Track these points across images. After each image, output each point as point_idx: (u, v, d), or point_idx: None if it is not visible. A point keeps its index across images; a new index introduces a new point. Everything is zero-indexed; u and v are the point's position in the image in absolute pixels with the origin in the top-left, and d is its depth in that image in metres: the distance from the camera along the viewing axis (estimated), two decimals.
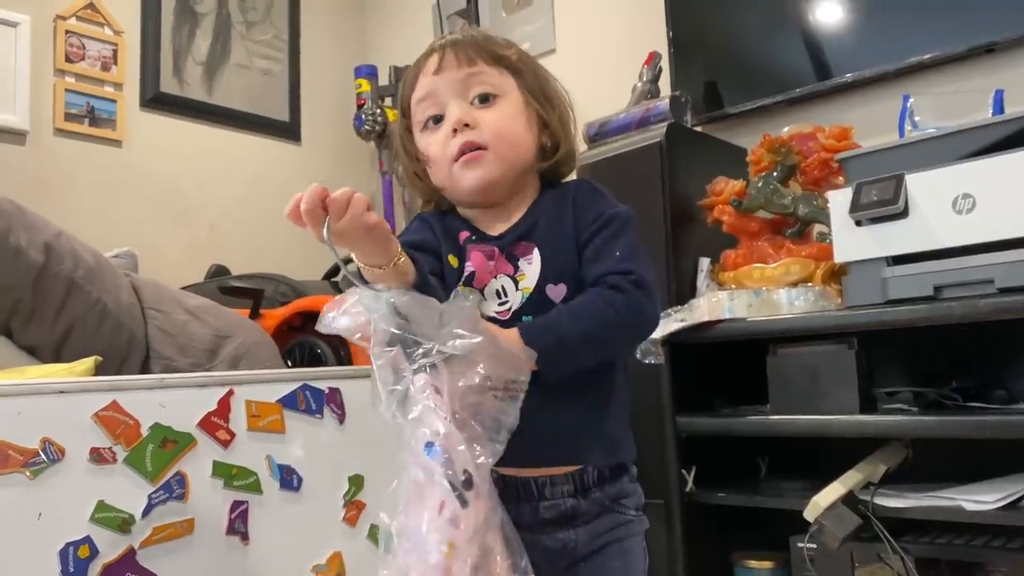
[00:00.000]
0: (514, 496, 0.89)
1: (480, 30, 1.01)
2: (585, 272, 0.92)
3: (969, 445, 1.41)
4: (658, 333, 1.60)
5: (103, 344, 1.30)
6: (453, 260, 0.96)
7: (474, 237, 0.97)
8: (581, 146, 1.99)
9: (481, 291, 0.93)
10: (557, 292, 0.92)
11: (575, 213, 0.95)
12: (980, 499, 1.28)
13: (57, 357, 1.28)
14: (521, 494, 0.90)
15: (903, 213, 1.36)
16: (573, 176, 1.05)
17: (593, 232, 0.92)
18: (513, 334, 0.86)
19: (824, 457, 1.52)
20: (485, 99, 0.94)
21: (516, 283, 0.93)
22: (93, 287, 1.32)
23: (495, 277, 0.93)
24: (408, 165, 1.01)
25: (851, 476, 1.43)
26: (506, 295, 0.92)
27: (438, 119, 0.95)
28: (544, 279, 0.92)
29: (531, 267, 0.93)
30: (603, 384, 0.94)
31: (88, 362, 1.16)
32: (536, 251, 0.93)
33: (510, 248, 0.95)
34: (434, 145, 0.95)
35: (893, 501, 1.37)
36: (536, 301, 0.91)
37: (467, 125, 0.92)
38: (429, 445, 0.76)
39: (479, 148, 0.92)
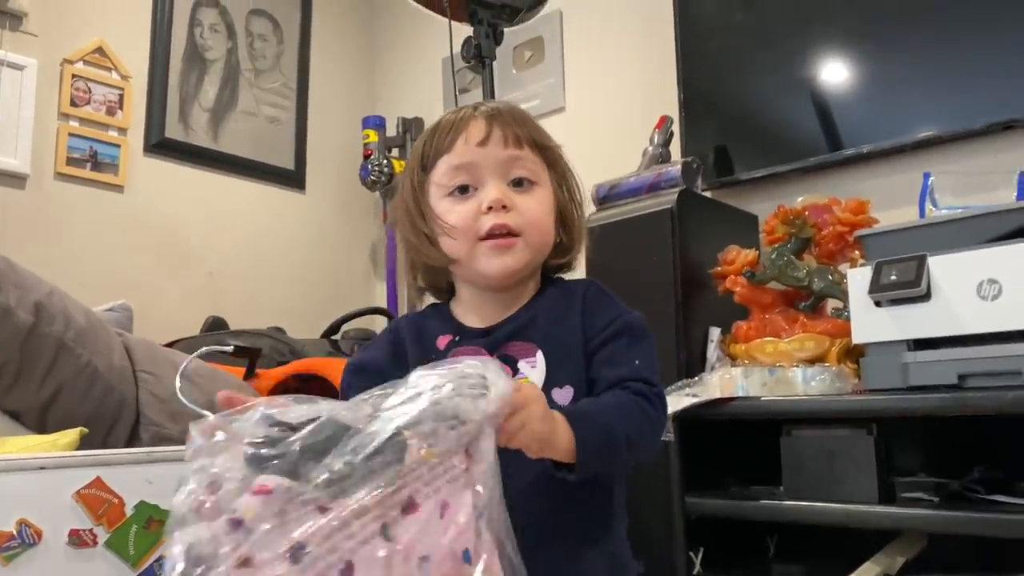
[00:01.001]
0: None
1: (520, 109, 0.97)
2: (597, 374, 0.88)
3: (990, 538, 1.35)
4: (669, 408, 1.55)
5: (91, 407, 1.25)
6: None
7: (458, 338, 0.93)
8: (589, 207, 1.96)
9: None
10: (563, 396, 0.87)
11: (584, 315, 0.91)
12: None
13: (42, 421, 1.23)
14: None
15: (925, 296, 1.32)
16: (579, 273, 1.02)
17: (608, 338, 0.89)
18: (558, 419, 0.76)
19: (836, 540, 1.46)
20: (521, 183, 0.91)
21: None
22: (84, 349, 1.27)
23: None
24: (417, 223, 0.93)
25: (868, 569, 1.36)
26: None
27: (465, 189, 0.91)
28: (550, 383, 0.87)
29: (534, 370, 0.88)
30: (604, 501, 0.90)
31: (72, 434, 1.10)
32: (539, 353, 0.89)
33: (503, 347, 0.90)
34: (457, 215, 0.90)
35: None
36: None
37: (505, 207, 0.89)
38: None
39: (513, 235, 0.89)
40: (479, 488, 0.60)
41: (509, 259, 0.89)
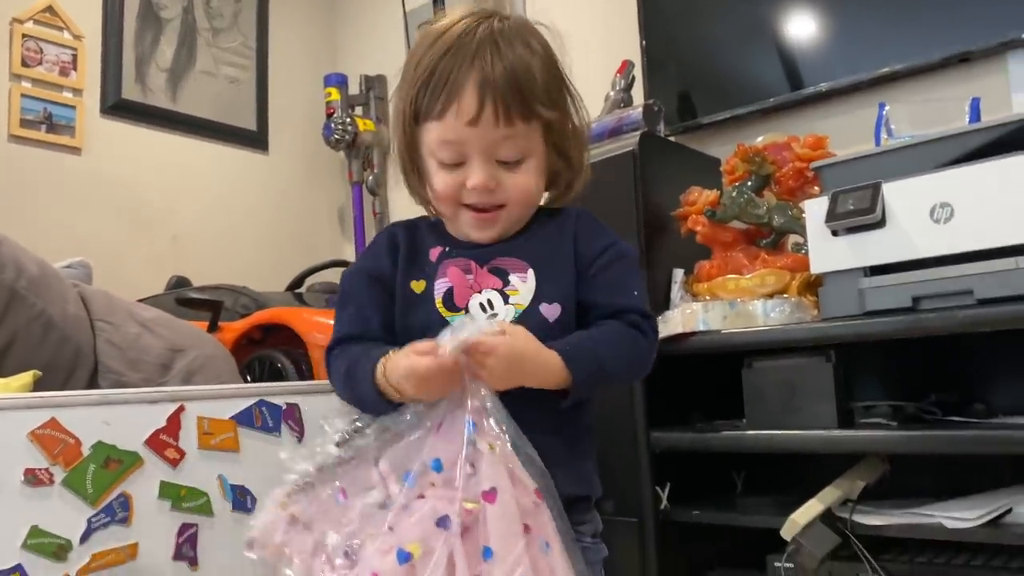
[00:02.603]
0: None
1: (522, 63, 0.89)
2: (593, 298, 0.91)
3: (949, 460, 1.38)
4: None
5: (46, 357, 1.23)
6: (417, 285, 0.92)
7: (448, 250, 0.94)
8: None
9: (465, 309, 0.89)
10: (551, 312, 0.89)
11: (576, 239, 0.93)
12: (961, 516, 1.24)
13: None
14: None
15: (880, 223, 1.33)
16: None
17: (605, 264, 0.91)
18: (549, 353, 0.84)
19: (801, 472, 1.48)
20: (510, 162, 0.90)
21: (506, 297, 0.90)
22: (37, 298, 1.25)
23: (478, 292, 0.90)
24: (407, 167, 0.96)
25: (829, 493, 1.39)
26: (492, 308, 0.89)
27: (454, 161, 0.90)
28: (539, 298, 0.89)
29: (525, 284, 0.90)
30: (579, 418, 0.92)
31: (26, 377, 1.09)
32: (531, 270, 0.91)
33: (494, 260, 0.92)
34: (442, 183, 0.91)
35: (872, 519, 1.33)
36: (529, 317, 0.88)
37: (490, 189, 0.89)
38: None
39: (497, 207, 0.90)
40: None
41: (490, 231, 0.92)
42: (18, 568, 0.91)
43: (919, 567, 1.28)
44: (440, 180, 0.90)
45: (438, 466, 0.77)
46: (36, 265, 1.30)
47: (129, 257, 2.47)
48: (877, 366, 1.51)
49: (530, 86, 0.88)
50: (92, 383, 1.30)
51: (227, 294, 1.87)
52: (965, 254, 1.25)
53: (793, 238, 1.72)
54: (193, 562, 1.07)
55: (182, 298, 1.73)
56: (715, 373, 1.60)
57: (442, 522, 0.74)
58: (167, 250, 2.59)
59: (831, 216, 1.37)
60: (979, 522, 1.22)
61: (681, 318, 1.55)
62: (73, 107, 2.43)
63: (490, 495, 0.75)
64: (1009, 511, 1.24)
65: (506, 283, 0.90)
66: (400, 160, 0.96)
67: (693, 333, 1.52)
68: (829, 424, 1.38)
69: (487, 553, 0.73)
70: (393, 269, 0.94)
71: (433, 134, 0.89)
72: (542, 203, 0.99)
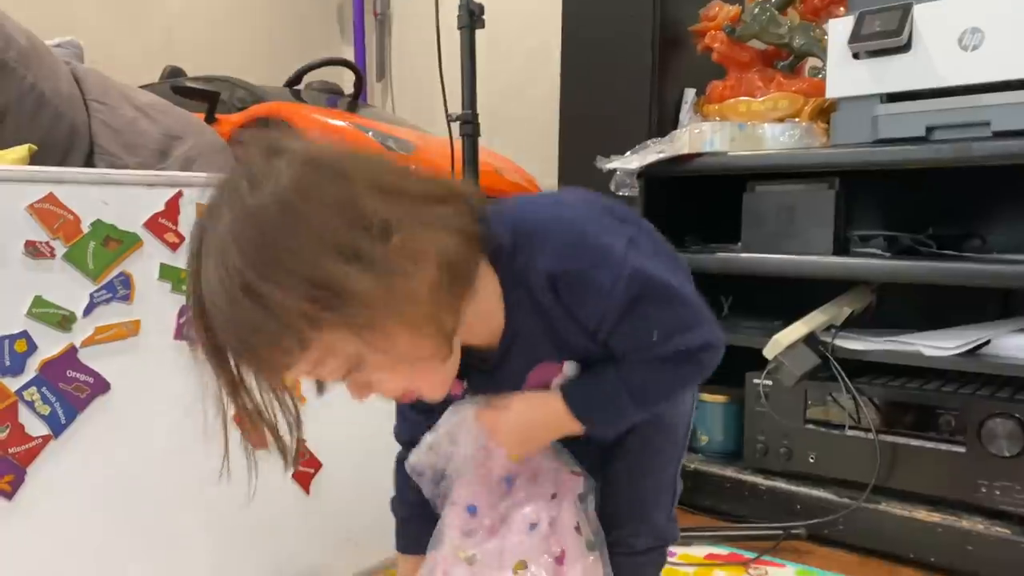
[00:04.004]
0: None
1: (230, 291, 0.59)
2: (623, 357, 0.75)
3: (935, 293, 1.40)
4: (634, 164, 1.54)
5: (40, 134, 1.20)
6: None
7: (467, 383, 0.81)
8: None
9: None
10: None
11: (565, 312, 0.72)
12: (940, 345, 1.28)
13: None
14: None
15: (905, 47, 1.28)
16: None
17: (609, 330, 0.72)
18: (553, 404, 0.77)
19: (790, 300, 1.51)
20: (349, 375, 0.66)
21: None
22: (28, 71, 1.21)
23: None
24: None
25: (814, 317, 1.42)
26: None
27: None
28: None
29: (570, 376, 0.79)
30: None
31: (21, 150, 1.07)
32: (566, 367, 0.77)
33: (520, 375, 0.78)
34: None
35: (853, 343, 1.37)
36: None
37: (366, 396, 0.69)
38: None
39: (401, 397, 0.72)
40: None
41: (433, 398, 0.73)
42: (24, 335, 0.93)
43: (892, 390, 1.34)
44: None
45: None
46: (25, 37, 1.24)
47: (121, 46, 2.37)
48: (879, 197, 1.50)
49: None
50: (88, 164, 1.28)
51: (224, 86, 1.82)
52: (987, 85, 1.22)
53: (811, 62, 1.66)
54: (194, 342, 1.09)
55: (178, 86, 1.67)
56: (715, 197, 1.59)
57: None
58: (161, 42, 2.49)
59: (855, 37, 1.32)
60: (956, 351, 1.27)
61: (688, 138, 1.53)
62: None
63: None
64: (987, 343, 1.28)
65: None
66: None
67: (699, 154, 1.50)
68: (824, 251, 1.39)
69: None
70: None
71: None
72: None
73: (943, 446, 1.27)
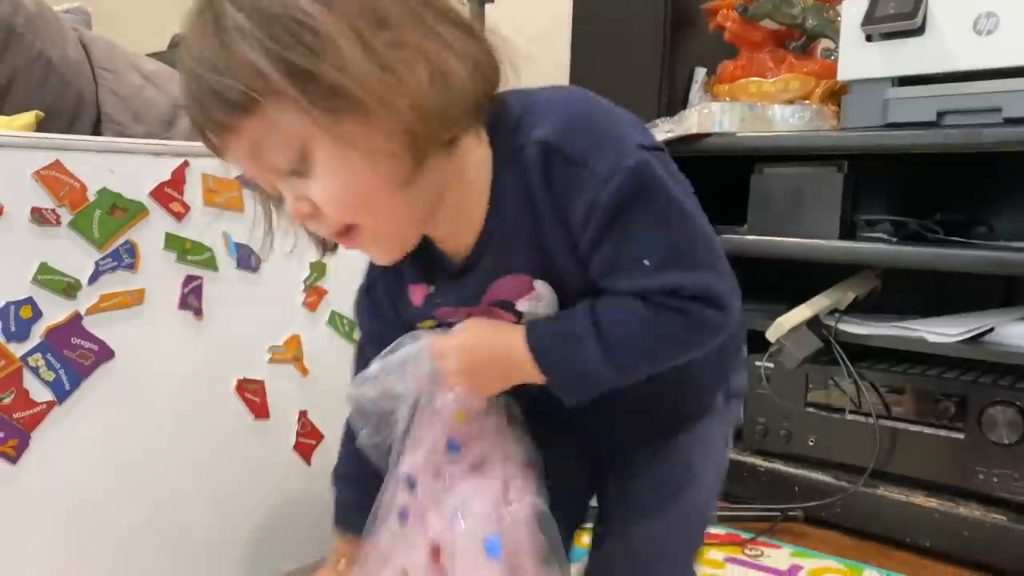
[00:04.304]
0: None
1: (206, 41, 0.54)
2: (606, 285, 0.62)
3: (940, 279, 1.40)
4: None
5: (48, 101, 1.20)
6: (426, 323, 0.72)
7: (433, 289, 0.69)
8: None
9: None
10: None
11: (554, 206, 0.60)
12: (943, 331, 1.28)
13: None
14: None
15: (919, 30, 1.27)
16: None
17: (593, 237, 0.59)
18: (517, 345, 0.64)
19: (795, 283, 1.51)
20: (291, 170, 0.58)
21: None
22: (35, 37, 1.20)
23: None
24: None
25: (818, 301, 1.42)
26: None
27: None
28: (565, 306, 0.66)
29: (542, 303, 0.65)
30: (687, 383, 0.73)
31: (28, 116, 1.07)
32: (538, 284, 0.64)
33: (489, 292, 0.66)
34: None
35: (856, 328, 1.38)
36: None
37: (310, 215, 0.60)
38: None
39: (345, 231, 0.61)
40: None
41: (376, 253, 0.66)
42: (29, 301, 0.94)
43: (894, 375, 1.34)
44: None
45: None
46: (34, 3, 1.24)
47: (128, 14, 2.36)
48: (887, 182, 1.49)
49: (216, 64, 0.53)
50: (95, 133, 1.28)
51: None
52: (1000, 70, 1.20)
53: (824, 43, 1.65)
54: (198, 312, 1.10)
55: None
56: (722, 179, 1.58)
57: None
58: (168, 10, 2.47)
59: (868, 19, 1.31)
60: (959, 338, 1.26)
61: (697, 118, 1.52)
62: None
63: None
64: (991, 330, 1.27)
65: (519, 315, 0.66)
66: None
67: (708, 134, 1.49)
68: (830, 235, 1.39)
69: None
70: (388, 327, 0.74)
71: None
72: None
73: (943, 432, 1.28)
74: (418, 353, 0.70)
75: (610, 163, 0.57)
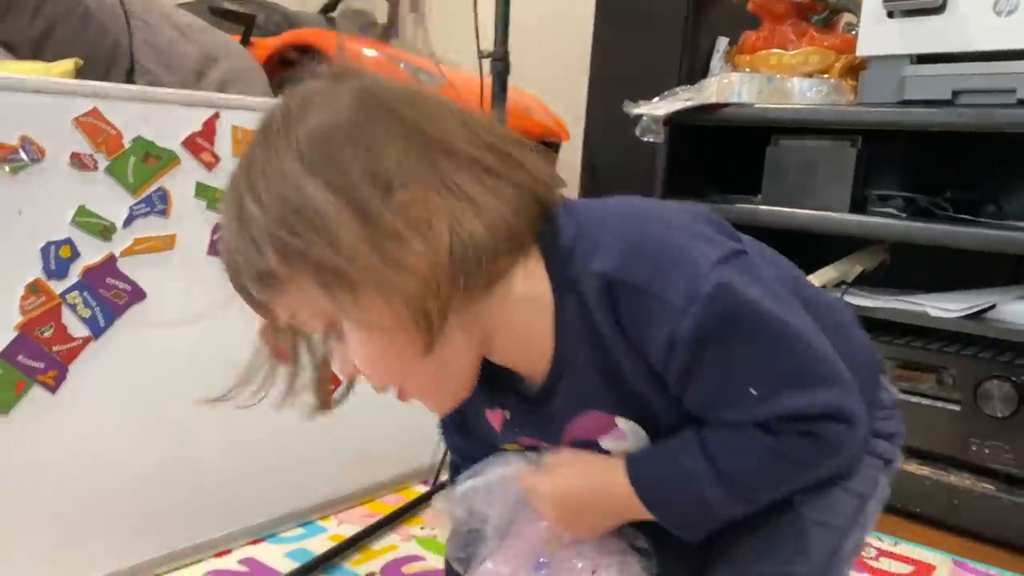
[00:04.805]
0: None
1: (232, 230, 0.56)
2: (711, 418, 0.57)
3: (946, 256, 1.42)
4: (661, 110, 1.56)
5: (85, 48, 1.24)
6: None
7: (508, 415, 0.66)
8: None
9: None
10: None
11: (623, 336, 0.56)
12: (946, 307, 1.31)
13: (37, 57, 1.23)
14: None
15: (940, 7, 1.28)
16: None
17: (682, 372, 0.54)
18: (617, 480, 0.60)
19: (805, 254, 1.52)
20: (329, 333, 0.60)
21: None
22: None
23: None
24: None
25: (825, 272, 1.45)
26: None
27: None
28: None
29: (627, 442, 0.62)
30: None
31: (68, 64, 1.11)
32: (619, 420, 0.61)
33: (569, 429, 0.63)
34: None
35: (861, 300, 1.41)
36: None
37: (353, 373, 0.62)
38: None
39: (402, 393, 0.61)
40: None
41: (430, 407, 0.64)
42: (68, 241, 0.99)
43: (896, 347, 1.37)
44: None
45: None
46: None
47: None
48: (900, 158, 1.51)
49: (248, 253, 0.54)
50: (129, 81, 1.32)
51: (260, 9, 1.83)
52: (1017, 52, 1.22)
53: (847, 17, 1.65)
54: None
55: (216, 7, 1.70)
56: (739, 148, 1.61)
57: None
58: None
59: None
60: (962, 313, 1.29)
61: (716, 88, 1.54)
62: None
63: None
64: (993, 307, 1.30)
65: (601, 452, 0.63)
66: None
67: (726, 104, 1.51)
68: (842, 208, 1.41)
69: None
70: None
71: None
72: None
73: (939, 403, 1.31)
74: (506, 481, 0.69)
75: (684, 291, 0.52)
